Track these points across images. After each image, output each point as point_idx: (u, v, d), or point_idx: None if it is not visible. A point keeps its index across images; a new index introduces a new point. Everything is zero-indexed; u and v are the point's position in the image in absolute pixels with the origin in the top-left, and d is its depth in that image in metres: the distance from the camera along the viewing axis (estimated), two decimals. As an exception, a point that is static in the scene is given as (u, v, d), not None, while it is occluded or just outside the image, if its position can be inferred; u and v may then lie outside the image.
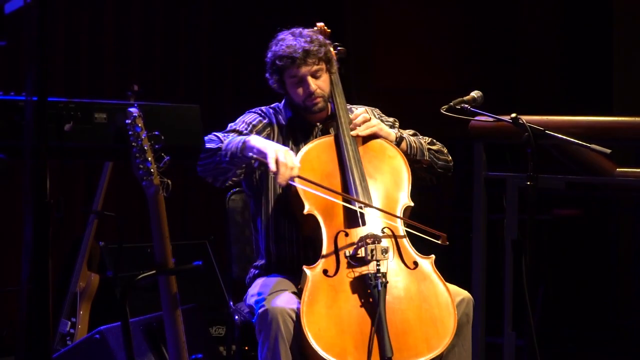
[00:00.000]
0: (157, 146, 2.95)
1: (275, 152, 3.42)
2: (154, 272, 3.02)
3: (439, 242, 3.54)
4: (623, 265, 7.00)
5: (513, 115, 3.66)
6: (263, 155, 3.43)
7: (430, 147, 3.82)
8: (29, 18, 2.56)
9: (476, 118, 3.85)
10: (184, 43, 6.45)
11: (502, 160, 5.96)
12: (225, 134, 3.67)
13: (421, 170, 3.79)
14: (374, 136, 3.73)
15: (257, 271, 3.81)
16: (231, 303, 4.03)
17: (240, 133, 3.68)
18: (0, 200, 5.57)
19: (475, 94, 3.80)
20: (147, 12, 6.28)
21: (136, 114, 2.92)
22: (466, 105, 3.75)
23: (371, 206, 3.55)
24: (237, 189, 4.15)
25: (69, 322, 5.03)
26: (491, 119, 3.84)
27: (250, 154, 3.48)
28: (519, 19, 7.89)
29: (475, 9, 7.77)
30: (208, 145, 3.54)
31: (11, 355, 5.23)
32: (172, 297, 3.06)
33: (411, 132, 3.87)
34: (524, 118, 3.66)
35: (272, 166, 3.40)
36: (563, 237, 6.98)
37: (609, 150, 3.68)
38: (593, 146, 3.66)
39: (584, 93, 7.44)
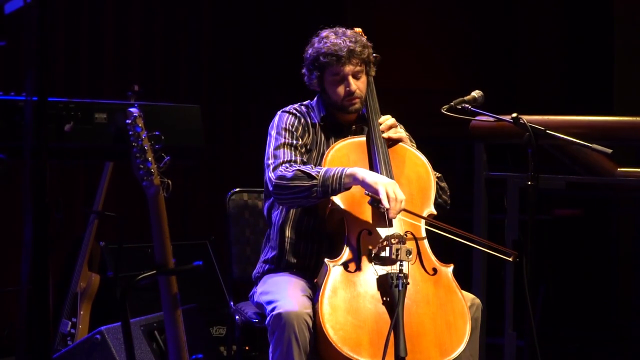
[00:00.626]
0: (157, 146, 2.95)
1: (386, 187, 3.44)
2: (154, 272, 3.02)
3: (510, 259, 3.56)
4: (623, 265, 6.99)
5: (514, 115, 3.65)
6: (374, 191, 3.45)
7: (438, 182, 3.82)
8: (29, 18, 2.55)
9: (477, 118, 3.85)
10: (184, 43, 6.44)
11: (503, 161, 5.96)
12: (282, 153, 3.64)
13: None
14: (398, 141, 3.75)
15: (267, 266, 3.79)
16: (232, 303, 4.03)
17: (291, 146, 3.67)
18: (1, 201, 5.57)
19: (476, 93, 3.79)
20: (147, 12, 6.27)
21: (136, 114, 2.92)
22: (467, 105, 3.74)
23: (407, 211, 3.55)
24: (238, 189, 4.15)
25: (70, 322, 5.03)
26: (492, 119, 3.84)
27: (356, 184, 3.50)
28: (519, 18, 7.88)
29: (475, 8, 7.77)
30: (295, 183, 3.52)
31: (11, 356, 5.23)
32: (173, 297, 3.05)
33: None
34: (525, 118, 3.66)
35: (386, 203, 3.42)
36: (564, 237, 6.98)
37: (610, 150, 3.67)
38: (594, 146, 3.66)
39: (585, 93, 7.43)
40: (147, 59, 6.27)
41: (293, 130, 3.74)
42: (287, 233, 3.75)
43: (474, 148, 4.94)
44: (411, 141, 3.89)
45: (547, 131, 3.63)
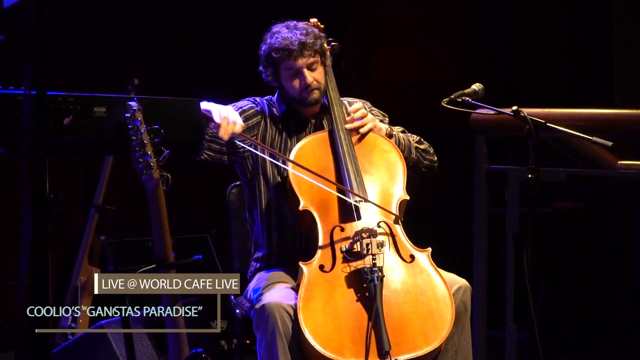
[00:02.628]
0: (156, 140, 2.95)
1: (219, 108, 3.47)
2: (153, 266, 3.02)
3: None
4: (625, 259, 6.99)
5: (514, 107, 3.64)
6: (208, 112, 3.46)
7: (418, 145, 3.81)
8: (27, 11, 2.55)
9: (477, 111, 3.84)
10: (184, 38, 6.44)
11: (504, 154, 5.95)
12: None
13: (407, 168, 3.79)
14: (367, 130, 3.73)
15: (258, 264, 3.80)
16: (232, 297, 4.02)
17: None
18: (1, 195, 5.57)
19: (476, 86, 3.78)
20: (148, 6, 6.27)
21: (135, 108, 2.91)
22: (467, 98, 3.73)
23: (364, 198, 3.54)
24: (238, 182, 4.14)
25: (70, 317, 5.03)
26: (492, 112, 3.82)
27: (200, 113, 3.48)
28: (519, 11, 7.87)
29: (476, 2, 7.76)
30: None
31: (12, 350, 5.23)
32: (172, 291, 3.05)
33: (400, 128, 3.86)
34: (525, 111, 3.65)
35: (217, 118, 3.43)
36: (565, 230, 6.98)
37: (610, 143, 3.66)
38: (594, 139, 3.65)
39: (585, 86, 7.43)
40: (147, 54, 6.27)
41: (242, 108, 3.74)
42: (272, 232, 3.74)
43: (474, 141, 4.93)
44: (384, 117, 3.87)
45: (548, 124, 3.62)
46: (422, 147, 3.82)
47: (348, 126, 3.67)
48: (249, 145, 3.62)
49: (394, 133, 3.77)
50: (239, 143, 3.59)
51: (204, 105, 3.49)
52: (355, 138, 3.70)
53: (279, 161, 3.64)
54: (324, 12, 4.44)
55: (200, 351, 3.13)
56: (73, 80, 5.92)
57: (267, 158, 3.64)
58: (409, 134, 3.86)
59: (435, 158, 3.85)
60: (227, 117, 3.45)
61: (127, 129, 2.91)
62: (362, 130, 3.69)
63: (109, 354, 3.97)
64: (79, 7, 5.99)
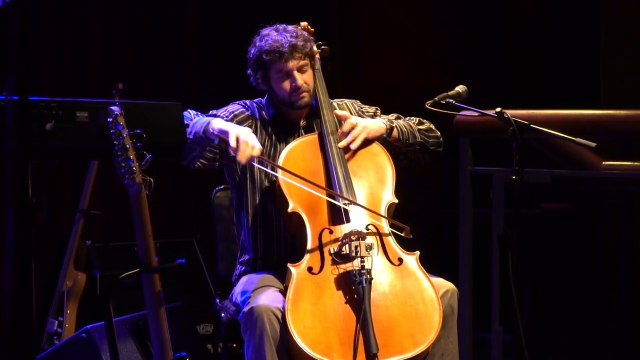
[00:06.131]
0: (139, 144, 2.95)
1: (236, 130, 3.46)
2: (137, 270, 3.02)
3: (402, 234, 3.56)
4: (611, 259, 6.99)
5: (498, 109, 3.65)
6: (225, 133, 3.47)
7: (420, 127, 3.82)
8: (10, 16, 2.55)
9: (461, 113, 3.85)
10: (171, 40, 6.44)
11: (491, 155, 5.96)
12: (201, 115, 3.69)
13: (414, 152, 3.81)
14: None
15: (243, 268, 3.80)
16: (217, 300, 4.02)
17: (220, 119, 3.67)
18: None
19: (460, 88, 3.79)
20: (133, 10, 6.27)
21: (117, 112, 2.91)
22: (451, 100, 3.73)
23: (354, 202, 3.56)
24: (223, 185, 4.15)
25: (56, 321, 5.02)
26: (476, 114, 3.83)
27: (212, 131, 3.50)
28: (505, 13, 7.89)
29: (462, 3, 7.77)
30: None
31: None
32: (156, 295, 3.05)
33: (394, 115, 3.87)
34: (509, 112, 3.65)
35: (233, 143, 3.43)
36: (551, 232, 6.99)
37: (594, 144, 3.67)
38: (578, 139, 3.65)
39: (571, 87, 7.44)
40: (134, 58, 6.26)
41: (233, 112, 3.75)
42: (257, 235, 3.75)
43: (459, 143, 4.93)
44: (376, 110, 3.88)
45: (531, 125, 3.63)
46: (424, 127, 3.84)
47: (340, 144, 3.68)
48: (266, 167, 3.62)
49: (394, 125, 3.77)
50: (256, 165, 3.60)
51: (218, 124, 3.50)
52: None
53: (316, 192, 3.59)
54: (310, 13, 4.45)
55: (184, 355, 3.13)
56: (59, 85, 5.91)
57: (309, 190, 3.58)
58: (407, 118, 3.86)
59: (439, 133, 3.88)
60: (246, 140, 3.45)
61: (110, 134, 2.91)
62: (353, 146, 3.69)
63: (94, 359, 3.96)
64: (65, 11, 5.98)
